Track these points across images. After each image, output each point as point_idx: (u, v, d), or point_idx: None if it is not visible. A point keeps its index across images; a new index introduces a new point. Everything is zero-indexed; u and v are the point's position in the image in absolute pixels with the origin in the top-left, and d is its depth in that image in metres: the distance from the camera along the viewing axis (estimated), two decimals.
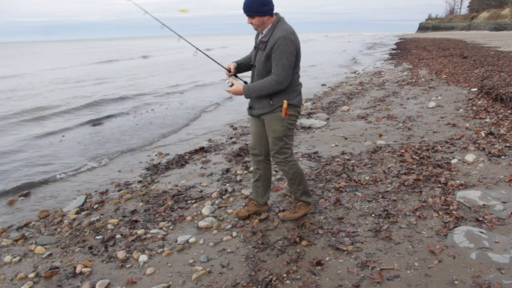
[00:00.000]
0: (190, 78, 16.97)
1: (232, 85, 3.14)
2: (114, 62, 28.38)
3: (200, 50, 3.43)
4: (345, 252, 2.89)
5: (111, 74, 20.09)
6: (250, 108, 3.28)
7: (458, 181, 4.03)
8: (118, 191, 4.53)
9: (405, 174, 4.31)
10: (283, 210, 3.59)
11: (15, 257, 3.14)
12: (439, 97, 8.95)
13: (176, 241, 3.25)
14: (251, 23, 3.02)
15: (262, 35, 3.04)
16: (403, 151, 5.09)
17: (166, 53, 37.79)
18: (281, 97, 3.06)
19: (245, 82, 3.16)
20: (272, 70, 2.97)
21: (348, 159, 4.95)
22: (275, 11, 3.04)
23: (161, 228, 3.50)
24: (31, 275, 2.85)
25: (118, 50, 55.25)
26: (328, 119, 7.51)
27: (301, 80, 3.23)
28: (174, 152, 6.15)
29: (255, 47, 3.15)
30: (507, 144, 5.04)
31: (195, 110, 9.89)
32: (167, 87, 14.64)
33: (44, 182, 5.10)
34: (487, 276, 2.51)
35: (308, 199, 3.46)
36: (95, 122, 8.85)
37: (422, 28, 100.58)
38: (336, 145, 5.67)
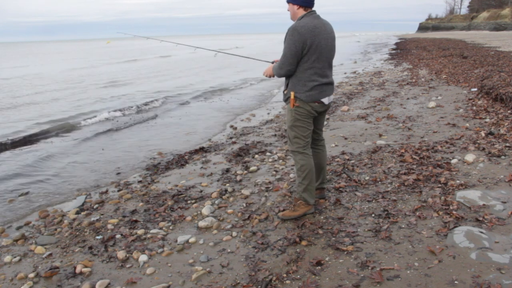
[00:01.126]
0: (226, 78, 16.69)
1: None
2: (138, 61, 28.04)
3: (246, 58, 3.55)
4: (345, 252, 2.88)
5: (145, 73, 19.88)
6: None
7: (458, 181, 4.02)
8: (118, 191, 4.54)
9: (405, 174, 4.31)
10: (283, 210, 3.59)
11: (15, 257, 3.14)
12: (439, 97, 8.95)
13: (176, 241, 3.25)
14: (288, 10, 3.28)
15: None
16: (403, 151, 5.09)
17: (183, 53, 37.36)
18: (291, 88, 3.24)
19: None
20: None
21: (348, 159, 4.94)
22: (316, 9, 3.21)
23: (161, 228, 3.50)
24: (31, 275, 2.86)
25: (132, 50, 54.69)
26: (328, 119, 7.51)
27: None
28: (175, 152, 6.15)
29: None
30: (507, 144, 5.04)
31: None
32: (209, 86, 14.52)
33: (44, 182, 5.11)
34: (487, 276, 2.51)
35: (309, 199, 3.44)
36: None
37: (422, 28, 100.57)
38: (336, 145, 5.67)
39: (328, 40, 3.20)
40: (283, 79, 3.36)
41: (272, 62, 3.56)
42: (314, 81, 3.18)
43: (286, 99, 3.32)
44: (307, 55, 3.10)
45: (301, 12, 3.17)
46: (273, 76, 3.42)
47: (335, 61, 3.51)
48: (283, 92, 3.37)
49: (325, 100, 3.29)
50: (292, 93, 3.20)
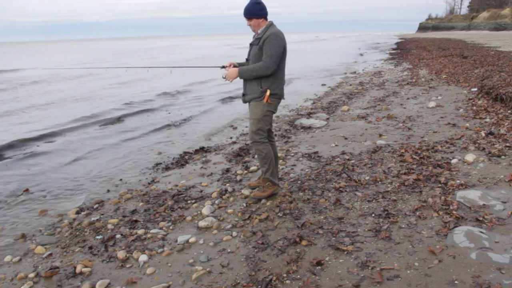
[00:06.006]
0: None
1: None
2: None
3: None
4: (345, 252, 2.88)
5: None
6: (243, 95, 3.81)
7: (458, 181, 4.02)
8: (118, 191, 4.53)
9: (405, 174, 4.31)
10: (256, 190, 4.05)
11: (15, 257, 3.14)
12: (439, 97, 8.95)
13: (176, 241, 3.25)
14: (249, 25, 3.66)
15: (257, 34, 3.66)
16: (403, 151, 5.09)
17: (197, 50, 36.28)
18: (268, 86, 3.62)
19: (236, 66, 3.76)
20: (262, 57, 3.55)
21: (348, 159, 4.94)
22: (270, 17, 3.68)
23: (161, 228, 3.50)
24: (31, 275, 2.85)
25: (146, 49, 53.48)
26: (328, 119, 7.51)
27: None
28: (174, 151, 6.15)
29: (250, 44, 3.73)
30: (507, 144, 5.04)
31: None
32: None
33: (44, 182, 5.10)
34: (487, 276, 2.51)
35: (275, 180, 3.91)
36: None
37: (422, 28, 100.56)
38: (336, 145, 5.67)
39: None
40: (240, 82, 3.77)
41: (222, 67, 3.89)
42: (284, 78, 3.77)
43: (260, 96, 3.63)
44: (282, 57, 3.61)
45: (265, 21, 3.64)
46: (233, 79, 3.69)
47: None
48: (259, 89, 3.62)
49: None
50: (268, 91, 3.60)
